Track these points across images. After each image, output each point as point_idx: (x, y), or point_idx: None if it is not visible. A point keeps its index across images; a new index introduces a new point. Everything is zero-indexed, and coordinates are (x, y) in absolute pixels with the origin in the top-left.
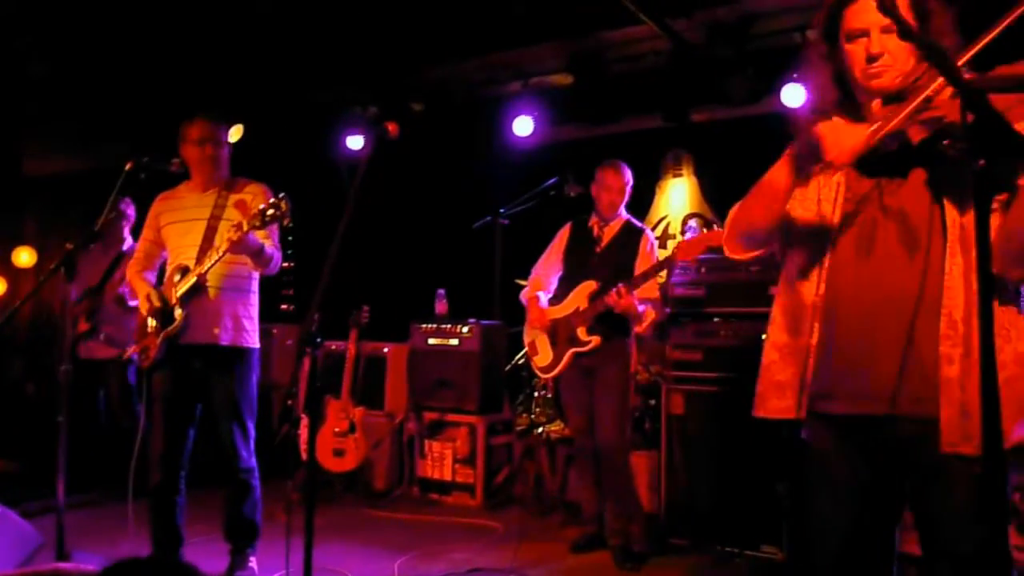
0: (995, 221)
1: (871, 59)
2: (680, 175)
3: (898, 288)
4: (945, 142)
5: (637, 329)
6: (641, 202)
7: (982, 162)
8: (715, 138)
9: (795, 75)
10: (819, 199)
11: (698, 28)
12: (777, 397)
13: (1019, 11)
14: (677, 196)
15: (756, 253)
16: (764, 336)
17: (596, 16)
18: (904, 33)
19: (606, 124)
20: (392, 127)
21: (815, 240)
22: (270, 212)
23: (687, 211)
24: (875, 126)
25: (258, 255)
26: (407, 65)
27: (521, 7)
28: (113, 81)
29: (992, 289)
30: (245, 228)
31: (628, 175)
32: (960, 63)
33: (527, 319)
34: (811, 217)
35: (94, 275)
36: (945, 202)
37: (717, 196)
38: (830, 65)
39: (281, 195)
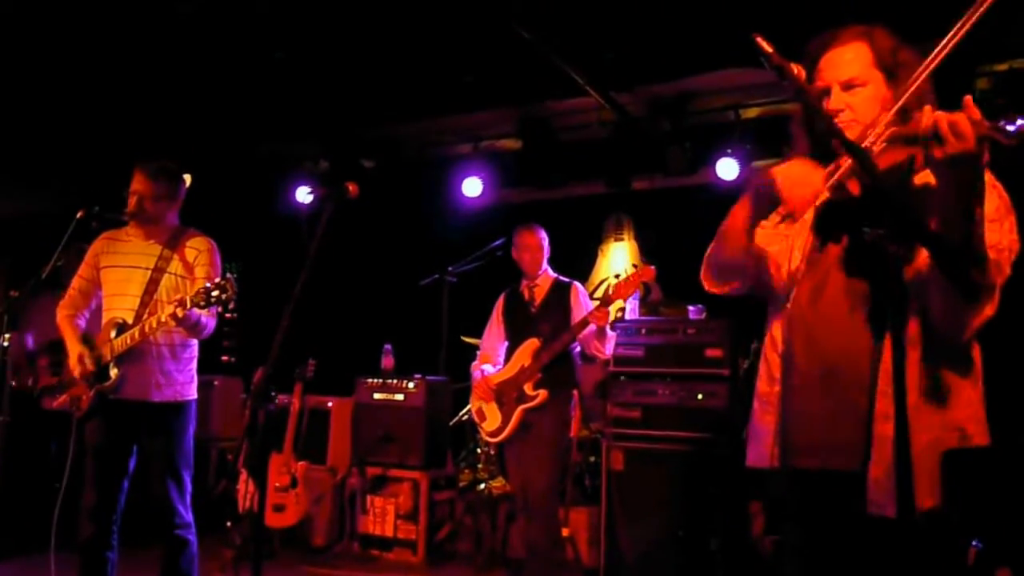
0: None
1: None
2: (621, 239)
3: (842, 341)
4: (865, 229)
5: (599, 352)
6: (583, 264)
7: (894, 247)
8: (655, 205)
9: (728, 150)
10: (791, 248)
11: (640, 102)
12: (754, 445)
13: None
14: (618, 259)
15: (730, 287)
16: (700, 395)
17: (545, 86)
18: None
19: (552, 188)
20: (353, 187)
21: (784, 290)
22: (215, 293)
23: (628, 273)
24: (831, 170)
25: (193, 327)
26: (359, 122)
27: (473, 74)
28: (58, 126)
29: (903, 360)
30: (188, 306)
31: (541, 233)
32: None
33: (472, 391)
34: (782, 268)
35: (52, 327)
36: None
37: (656, 259)
38: (807, 126)
39: (227, 277)
